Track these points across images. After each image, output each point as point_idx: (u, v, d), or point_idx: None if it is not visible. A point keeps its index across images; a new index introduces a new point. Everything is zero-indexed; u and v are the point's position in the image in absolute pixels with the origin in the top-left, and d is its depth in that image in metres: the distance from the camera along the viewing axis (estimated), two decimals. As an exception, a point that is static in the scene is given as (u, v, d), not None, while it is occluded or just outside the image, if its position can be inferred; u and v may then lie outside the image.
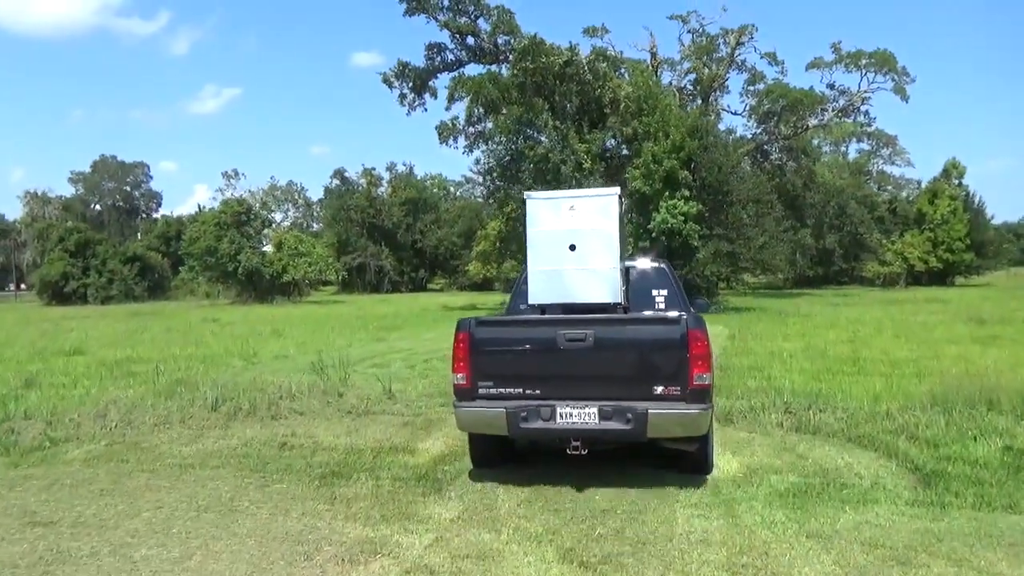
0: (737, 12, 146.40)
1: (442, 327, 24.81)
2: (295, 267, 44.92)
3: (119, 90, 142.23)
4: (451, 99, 27.22)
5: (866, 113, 39.53)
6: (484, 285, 63.60)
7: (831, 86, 39.86)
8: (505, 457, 6.52)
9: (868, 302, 35.57)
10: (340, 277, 67.19)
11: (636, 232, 26.23)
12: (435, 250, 68.01)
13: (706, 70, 39.66)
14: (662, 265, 8.16)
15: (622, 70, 28.88)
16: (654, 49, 36.67)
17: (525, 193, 6.89)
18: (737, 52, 39.79)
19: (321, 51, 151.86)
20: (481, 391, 5.76)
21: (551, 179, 26.69)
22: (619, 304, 6.35)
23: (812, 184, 44.92)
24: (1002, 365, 12.55)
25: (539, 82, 26.10)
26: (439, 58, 29.42)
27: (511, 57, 25.90)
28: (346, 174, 67.26)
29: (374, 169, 67.76)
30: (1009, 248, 69.49)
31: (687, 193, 26.07)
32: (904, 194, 66.98)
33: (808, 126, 40.84)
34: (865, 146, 69.65)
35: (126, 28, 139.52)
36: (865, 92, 38.86)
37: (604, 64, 26.94)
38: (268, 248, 49.22)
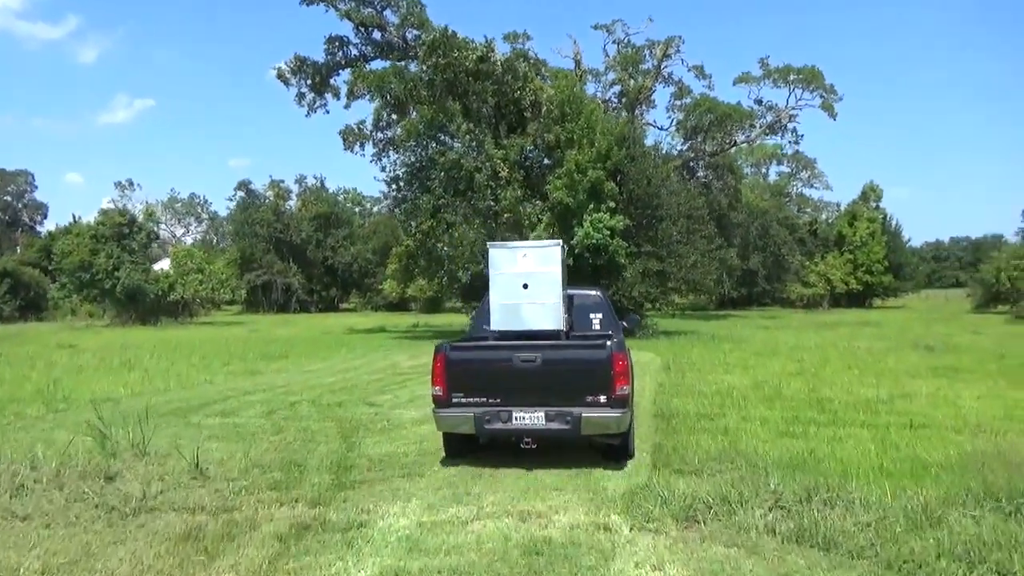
0: (664, 23, 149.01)
1: (337, 355, 21.53)
2: (184, 285, 40.45)
3: (20, 97, 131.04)
4: (351, 95, 23.99)
5: (793, 131, 38.51)
6: (400, 305, 60.09)
7: (759, 102, 38.74)
8: (472, 450, 7.88)
9: (798, 325, 34.12)
10: (244, 296, 62.46)
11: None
12: (348, 268, 64.03)
13: (632, 82, 37.84)
14: (598, 293, 10.19)
15: (544, 75, 26.37)
16: (578, 57, 34.54)
17: (488, 244, 8.85)
18: (664, 64, 38.17)
19: (239, 62, 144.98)
20: (454, 400, 7.24)
21: (464, 188, 23.85)
22: (562, 331, 8.05)
23: (737, 204, 43.64)
24: (995, 411, 10.42)
25: (451, 80, 23.26)
26: (341, 53, 26.18)
27: (420, 52, 22.99)
28: (252, 186, 62.68)
29: (282, 181, 63.46)
30: (925, 270, 70.78)
31: (613, 206, 23.66)
32: (823, 216, 67.32)
33: (736, 142, 39.55)
34: (785, 168, 69.89)
35: (28, 32, 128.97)
36: (793, 109, 37.84)
37: (524, 65, 24.36)
38: (163, 265, 44.51)
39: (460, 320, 32.15)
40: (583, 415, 6.96)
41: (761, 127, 38.80)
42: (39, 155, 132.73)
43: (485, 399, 7.19)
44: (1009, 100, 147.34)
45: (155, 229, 43.12)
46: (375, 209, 62.23)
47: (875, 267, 56.45)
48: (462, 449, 7.85)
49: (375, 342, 25.99)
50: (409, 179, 25.07)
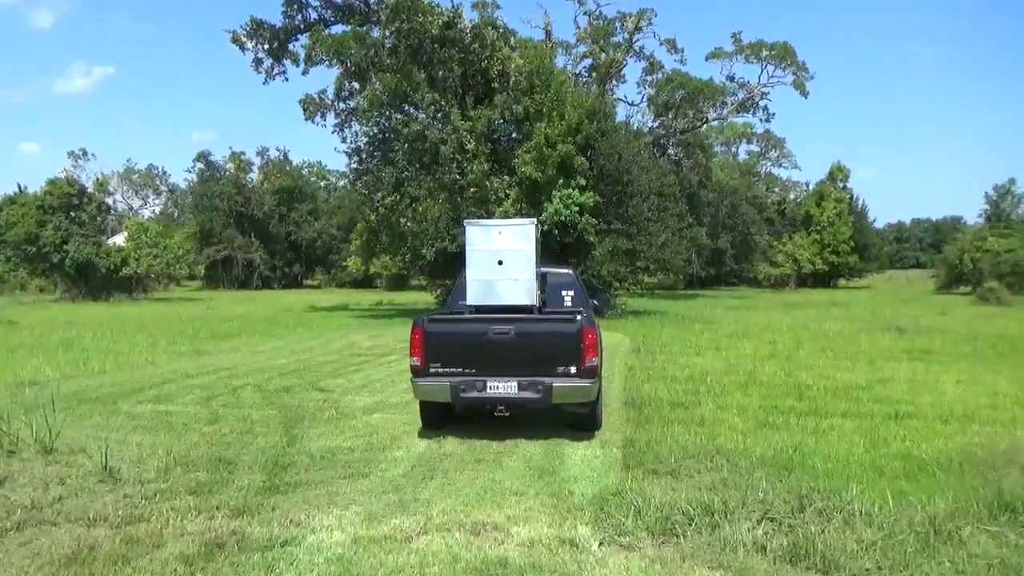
0: None
1: (294, 334, 20.56)
2: (138, 259, 38.85)
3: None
4: (308, 60, 22.69)
5: (765, 108, 37.93)
6: (365, 282, 58.93)
7: (731, 78, 38.12)
8: (446, 422, 8.21)
9: (766, 305, 33.88)
10: (203, 271, 60.66)
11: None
12: (312, 243, 62.53)
13: (603, 55, 36.91)
14: (570, 272, 10.51)
15: (513, 45, 25.32)
16: (548, 27, 33.52)
17: (465, 221, 8.89)
18: (635, 38, 37.28)
19: (205, 29, 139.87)
20: (431, 370, 7.59)
21: (428, 161, 22.82)
22: (534, 305, 8.29)
23: (708, 182, 43.17)
24: (979, 399, 9.95)
25: (415, 47, 22.12)
26: (300, 16, 24.79)
27: (382, 16, 21.79)
28: (212, 158, 60.61)
29: (243, 153, 61.45)
30: (889, 251, 71.41)
31: (583, 182, 22.88)
32: (792, 196, 67.38)
33: (707, 119, 38.93)
34: (754, 147, 69.75)
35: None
36: (764, 86, 37.26)
37: (492, 33, 23.30)
38: (119, 239, 42.71)
39: (425, 298, 31.27)
40: (554, 384, 7.31)
41: (733, 104, 38.21)
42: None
43: (461, 369, 7.53)
44: (973, 84, 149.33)
45: (107, 200, 41.16)
46: (340, 183, 60.58)
47: (841, 247, 56.68)
48: (438, 420, 8.18)
49: (335, 321, 25.02)
50: (371, 150, 23.93)
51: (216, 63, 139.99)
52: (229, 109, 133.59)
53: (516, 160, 23.21)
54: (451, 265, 24.13)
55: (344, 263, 58.45)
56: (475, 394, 7.46)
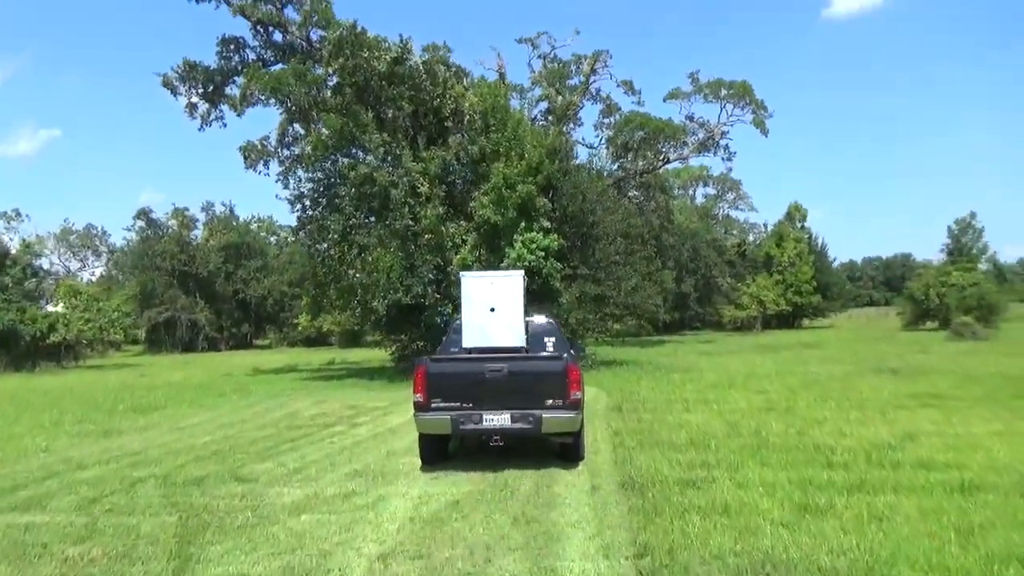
0: (591, 36, 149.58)
1: (229, 403, 18.20)
2: (67, 325, 35.89)
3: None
4: (244, 100, 20.87)
5: (726, 148, 37.20)
6: (318, 340, 56.24)
7: (690, 118, 37.38)
8: (444, 457, 9.21)
9: (738, 349, 32.48)
10: (145, 335, 57.29)
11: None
12: (262, 301, 59.71)
13: (559, 98, 35.87)
14: (551, 321, 11.29)
15: (466, 85, 23.93)
16: (502, 69, 32.29)
17: (461, 272, 11.09)
18: (591, 80, 36.41)
19: (151, 90, 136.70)
20: (433, 405, 8.43)
21: (378, 206, 20.94)
22: (523, 347, 9.54)
23: (669, 224, 42.17)
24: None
25: (361, 85, 20.51)
26: (237, 57, 23.07)
27: (325, 53, 20.17)
28: (153, 215, 57.79)
29: (187, 210, 58.79)
30: (856, 289, 71.36)
31: (547, 224, 21.27)
32: (751, 238, 67.15)
33: (668, 159, 38.04)
34: (711, 190, 69.74)
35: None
36: (724, 125, 36.60)
37: (444, 70, 21.87)
38: (58, 306, 39.59)
39: (379, 355, 29.08)
40: (543, 416, 8.21)
41: (693, 144, 37.42)
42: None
43: (459, 404, 8.34)
44: (917, 123, 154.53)
45: (38, 263, 38.19)
46: (292, 239, 58.26)
47: (804, 288, 56.15)
48: (436, 456, 8.98)
49: (279, 385, 22.70)
50: (316, 197, 22.02)
51: (167, 122, 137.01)
52: (180, 169, 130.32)
53: (473, 203, 21.54)
54: (406, 318, 22.13)
55: (295, 321, 55.76)
56: (473, 426, 8.38)
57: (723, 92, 35.95)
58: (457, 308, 21.83)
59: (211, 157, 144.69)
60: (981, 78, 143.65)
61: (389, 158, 21.23)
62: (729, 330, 54.93)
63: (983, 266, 50.70)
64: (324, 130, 22.83)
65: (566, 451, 8.86)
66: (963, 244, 48.92)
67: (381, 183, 20.46)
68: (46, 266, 55.28)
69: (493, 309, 9.43)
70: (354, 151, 22.13)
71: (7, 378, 30.91)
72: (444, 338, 11.51)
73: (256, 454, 10.55)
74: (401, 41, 20.36)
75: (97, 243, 71.37)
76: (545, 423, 8.24)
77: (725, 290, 54.98)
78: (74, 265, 71.46)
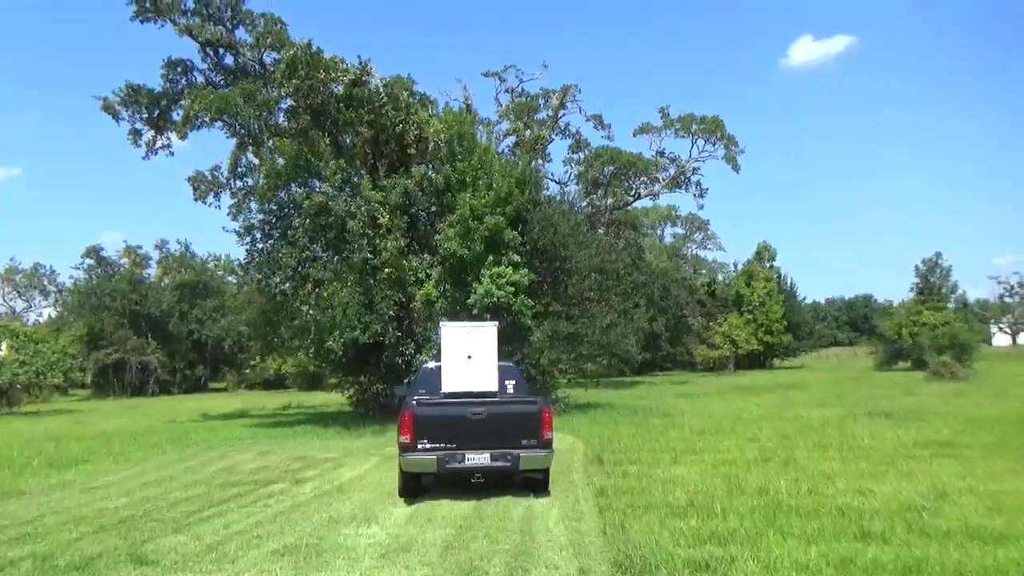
0: (559, 71, 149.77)
1: (162, 455, 16.17)
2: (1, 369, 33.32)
3: None
4: (186, 122, 19.22)
5: (698, 184, 36.44)
6: (276, 383, 53.77)
7: (660, 153, 36.58)
8: (419, 492, 9.66)
9: (716, 391, 31.19)
10: (91, 378, 54.23)
11: (452, 309, 19.39)
12: (219, 343, 57.05)
13: (528, 132, 34.88)
14: (511, 364, 12.14)
15: (430, 111, 22.69)
16: (468, 101, 31.21)
17: (441, 323, 11.46)
18: (560, 114, 35.55)
19: (113, 129, 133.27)
20: (419, 446, 9.03)
21: (334, 237, 19.34)
22: (496, 391, 10.25)
23: (640, 262, 41.12)
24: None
25: (317, 108, 19.08)
26: (184, 80, 21.55)
27: (277, 73, 18.73)
28: (103, 253, 55.22)
29: (140, 247, 56.32)
30: (822, 329, 71.03)
31: (516, 259, 19.86)
32: (720, 277, 66.64)
33: (639, 195, 37.13)
34: (679, 230, 69.39)
35: None
36: (696, 160, 35.88)
37: (406, 95, 20.59)
38: (2, 350, 36.88)
39: (339, 400, 27.15)
40: (521, 455, 9.08)
41: (664, 180, 36.61)
42: None
43: (443, 444, 9.03)
44: (873, 165, 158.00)
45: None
46: (240, 274, 55.95)
47: (775, 327, 55.44)
48: (415, 490, 9.52)
49: (224, 433, 20.66)
50: (267, 229, 20.36)
51: (131, 161, 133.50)
52: (143, 210, 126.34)
53: (438, 236, 20.07)
54: (365, 359, 20.39)
55: (253, 363, 53.29)
56: (456, 465, 9.01)
57: (694, 127, 35.30)
58: (419, 348, 20.50)
59: (177, 198, 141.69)
60: (930, 123, 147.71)
61: (347, 187, 19.72)
62: (701, 370, 53.84)
63: (951, 305, 50.45)
64: (278, 158, 21.32)
65: (536, 484, 9.68)
66: (931, 283, 48.66)
67: (337, 213, 18.92)
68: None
69: (470, 357, 10.26)
70: (309, 179, 20.56)
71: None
72: (407, 380, 12.62)
73: (171, 522, 8.77)
74: (360, 63, 19.05)
75: (45, 283, 68.26)
76: (523, 461, 9.10)
77: (696, 329, 54.05)
78: (20, 305, 68.19)
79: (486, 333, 10.51)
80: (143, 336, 53.96)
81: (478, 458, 9.01)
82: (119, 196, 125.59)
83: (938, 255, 48.90)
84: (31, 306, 68.66)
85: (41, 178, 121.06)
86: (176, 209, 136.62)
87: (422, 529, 7.83)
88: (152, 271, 57.33)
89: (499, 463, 9.01)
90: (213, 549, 7.36)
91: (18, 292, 67.02)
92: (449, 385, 10.13)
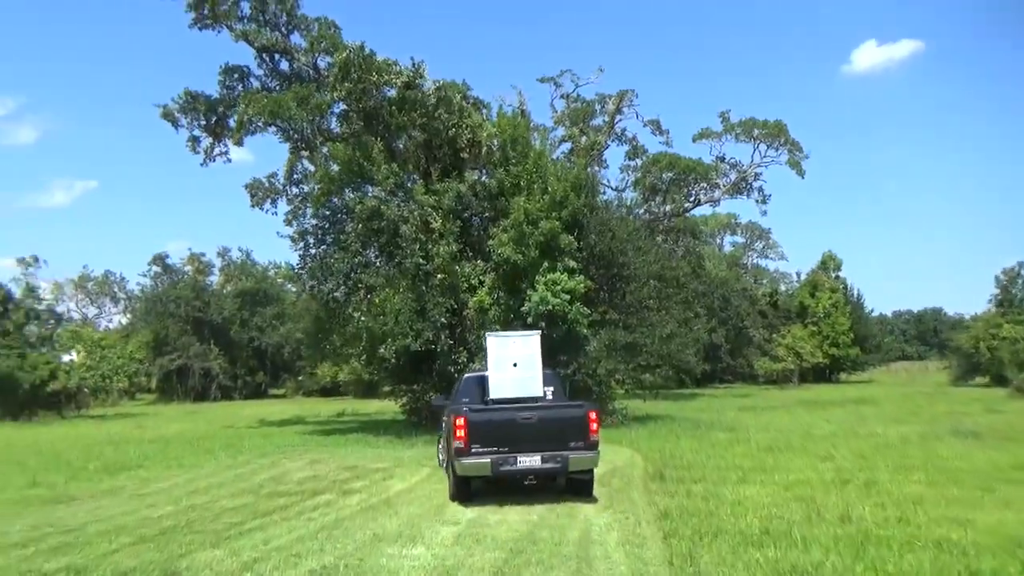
0: (615, 75, 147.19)
1: (215, 461, 16.05)
2: (69, 373, 34.19)
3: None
4: (240, 127, 19.23)
5: (760, 189, 35.15)
6: (334, 390, 54.14)
7: (721, 159, 35.44)
8: (470, 496, 9.95)
9: (782, 404, 29.85)
10: (156, 383, 55.64)
11: (506, 317, 18.85)
12: (278, 350, 57.84)
13: (583, 138, 34.23)
14: (549, 371, 11.90)
15: (485, 115, 22.30)
16: (523, 107, 30.74)
17: (487, 333, 11.70)
18: (617, 119, 34.80)
19: (185, 147, 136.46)
20: (473, 450, 9.39)
21: (387, 242, 19.06)
22: (541, 397, 10.87)
23: (700, 271, 39.91)
24: None
25: (370, 111, 18.87)
26: (240, 86, 21.67)
27: (330, 76, 18.58)
28: (168, 260, 56.70)
29: (203, 255, 57.64)
30: (890, 342, 68.12)
31: (573, 265, 19.22)
32: (783, 287, 64.49)
33: (699, 201, 36.03)
34: (739, 239, 67.56)
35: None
36: (758, 165, 34.64)
37: (461, 99, 20.23)
38: (76, 355, 38.04)
39: (394, 408, 26.88)
40: (569, 456, 9.43)
41: (725, 186, 35.42)
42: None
43: (496, 448, 9.42)
44: (944, 175, 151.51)
45: (37, 307, 36.76)
46: (292, 282, 56.59)
47: (841, 339, 53.21)
48: (467, 495, 9.91)
49: (279, 439, 20.55)
50: (320, 234, 20.22)
51: (198, 171, 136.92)
52: (212, 220, 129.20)
53: (491, 241, 19.58)
54: (416, 366, 20.00)
55: (311, 370, 53.76)
56: (509, 468, 9.36)
57: (756, 132, 34.07)
58: (472, 357, 20.02)
59: (241, 208, 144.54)
60: (1001, 131, 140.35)
61: (399, 191, 19.42)
62: (762, 383, 52.05)
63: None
64: (332, 164, 21.20)
65: (580, 486, 10.05)
66: (1012, 295, 45.92)
67: (390, 217, 18.62)
68: (64, 313, 54.19)
69: (515, 364, 10.76)
70: (362, 184, 20.34)
71: (-3, 429, 29.12)
72: (455, 388, 12.50)
73: (212, 535, 8.42)
74: (413, 65, 18.72)
75: (115, 290, 70.47)
76: (571, 462, 9.45)
77: (758, 341, 52.28)
78: (92, 312, 70.58)
79: (530, 341, 11.05)
80: (206, 342, 55.07)
81: (529, 460, 9.37)
82: (187, 206, 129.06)
83: (1021, 265, 46.12)
84: (102, 312, 70.93)
85: (115, 190, 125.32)
86: (240, 218, 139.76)
87: (470, 551, 7.26)
88: (215, 278, 58.51)
89: (549, 465, 9.41)
90: (249, 567, 6.94)
91: (90, 299, 69.29)
92: (497, 392, 10.65)
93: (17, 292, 36.09)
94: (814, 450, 14.49)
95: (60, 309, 59.83)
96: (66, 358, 37.41)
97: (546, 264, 19.10)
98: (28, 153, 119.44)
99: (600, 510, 9.28)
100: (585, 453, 9.43)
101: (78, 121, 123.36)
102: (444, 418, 12.78)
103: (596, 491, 10.35)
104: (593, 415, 9.61)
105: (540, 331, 11.29)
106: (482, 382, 11.37)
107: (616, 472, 12.37)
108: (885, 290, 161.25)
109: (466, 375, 12.51)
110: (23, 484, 12.92)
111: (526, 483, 10.04)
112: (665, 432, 18.21)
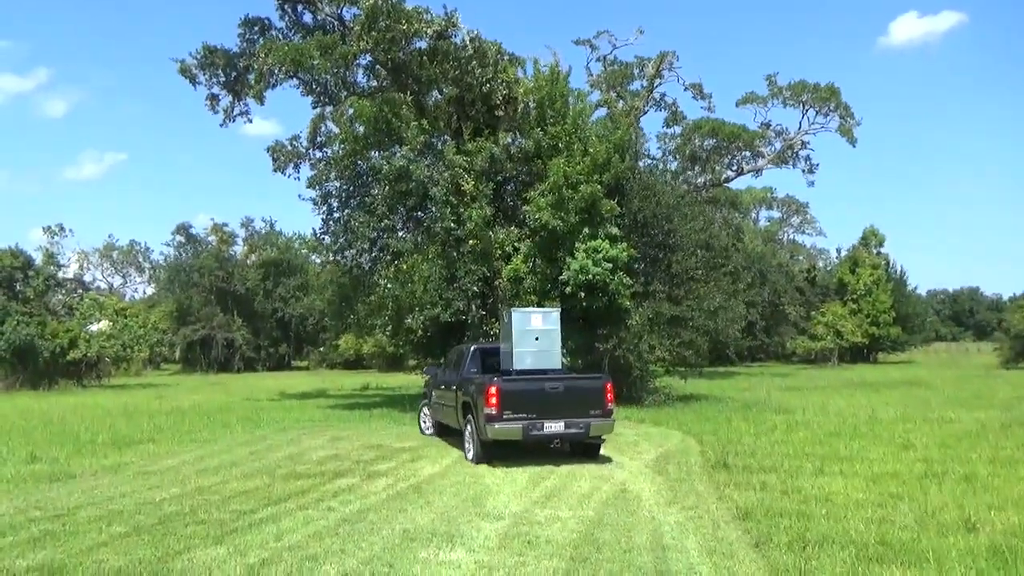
0: (655, 38, 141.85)
1: (230, 435, 15.02)
2: (88, 342, 33.53)
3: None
4: (259, 78, 17.92)
5: (807, 159, 33.22)
6: (358, 363, 53.36)
7: (766, 125, 33.48)
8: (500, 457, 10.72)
9: (827, 385, 28.22)
10: (179, 353, 55.28)
11: (542, 287, 17.49)
12: (302, 321, 57.15)
13: (620, 103, 32.47)
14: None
15: (520, 69, 20.79)
16: (558, 66, 29.02)
17: (512, 309, 11.89)
18: (656, 83, 32.96)
19: (213, 117, 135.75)
20: (504, 416, 10.18)
21: (415, 206, 17.75)
22: (560, 369, 11.70)
23: (740, 244, 38.14)
24: None
25: (398, 63, 17.47)
26: (261, 40, 20.30)
27: (356, 26, 17.17)
28: (192, 230, 56.00)
29: (226, 225, 56.81)
30: (934, 322, 65.74)
31: (615, 232, 17.77)
32: (820, 264, 62.31)
33: (742, 170, 34.20)
34: (776, 213, 65.36)
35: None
36: (806, 132, 32.66)
37: (496, 51, 18.73)
38: (101, 324, 37.43)
39: (417, 382, 25.77)
40: (591, 423, 10.40)
41: (770, 155, 33.52)
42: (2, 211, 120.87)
43: (526, 414, 10.24)
44: (977, 156, 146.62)
45: (55, 273, 36.08)
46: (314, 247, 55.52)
47: (882, 318, 51.09)
48: (494, 456, 10.67)
49: (299, 413, 19.51)
50: (344, 197, 18.95)
51: (222, 147, 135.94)
52: (237, 189, 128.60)
53: (527, 206, 18.17)
54: (445, 339, 18.73)
55: (335, 342, 52.97)
56: (537, 432, 10.28)
57: (805, 96, 32.06)
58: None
59: (266, 182, 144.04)
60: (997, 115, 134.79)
61: (429, 152, 18.04)
62: (797, 362, 50.27)
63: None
64: (358, 125, 19.85)
65: (589, 450, 11.06)
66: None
67: (419, 179, 17.28)
68: (90, 282, 53.97)
69: (537, 338, 11.26)
70: (390, 145, 18.99)
71: (13, 397, 28.51)
72: (449, 359, 13.72)
73: (217, 526, 7.25)
74: (446, 13, 17.25)
75: (140, 259, 70.20)
76: (592, 428, 10.42)
77: (793, 319, 50.45)
78: (117, 281, 70.43)
79: (551, 318, 11.59)
80: (229, 313, 54.51)
81: (555, 426, 10.23)
82: (214, 177, 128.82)
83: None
84: (127, 282, 70.78)
85: (144, 162, 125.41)
86: (266, 190, 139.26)
87: (521, 557, 5.98)
88: (239, 249, 57.77)
89: (572, 430, 10.29)
90: (254, 573, 5.72)
91: (115, 268, 69.07)
92: (520, 364, 11.12)
93: (38, 260, 35.40)
94: (887, 437, 13.05)
95: (87, 278, 59.94)
96: (94, 327, 36.85)
97: (586, 231, 17.68)
98: (57, 127, 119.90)
99: (664, 505, 7.97)
100: (603, 420, 10.47)
101: (106, 93, 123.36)
102: (435, 388, 13.55)
103: (652, 479, 9.37)
104: (609, 386, 10.70)
105: (559, 308, 12.13)
106: (492, 354, 12.10)
107: (669, 458, 11.07)
108: (918, 269, 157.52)
109: (472, 346, 12.92)
110: (23, 459, 11.91)
111: (552, 446, 11.13)
112: (714, 413, 16.81)
